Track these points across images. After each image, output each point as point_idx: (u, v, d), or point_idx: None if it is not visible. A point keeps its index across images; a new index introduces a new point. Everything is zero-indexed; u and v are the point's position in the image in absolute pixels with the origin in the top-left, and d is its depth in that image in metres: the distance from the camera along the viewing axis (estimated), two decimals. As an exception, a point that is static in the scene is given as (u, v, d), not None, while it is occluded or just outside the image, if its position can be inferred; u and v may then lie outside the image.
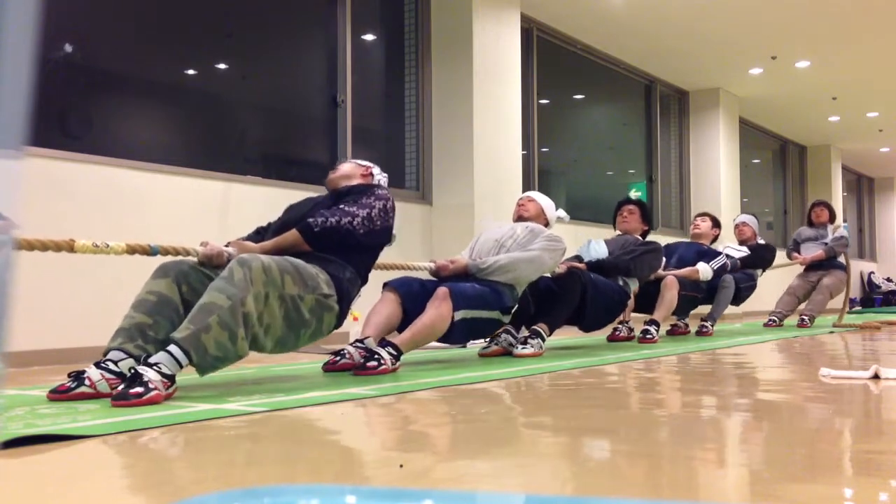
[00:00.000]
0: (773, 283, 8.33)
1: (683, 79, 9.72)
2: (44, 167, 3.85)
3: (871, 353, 4.51)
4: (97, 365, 2.50)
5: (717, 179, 10.00)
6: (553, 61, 7.88)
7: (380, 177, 3.43)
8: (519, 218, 4.37)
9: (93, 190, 4.04)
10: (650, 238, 5.33)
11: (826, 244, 7.28)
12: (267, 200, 4.73)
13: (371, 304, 3.60)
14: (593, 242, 4.93)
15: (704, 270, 5.69)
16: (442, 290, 3.45)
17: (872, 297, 14.77)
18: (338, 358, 3.27)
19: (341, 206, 3.06)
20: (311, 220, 2.95)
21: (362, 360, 3.17)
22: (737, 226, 6.96)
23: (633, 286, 4.92)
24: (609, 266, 4.71)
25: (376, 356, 3.15)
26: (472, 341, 4.14)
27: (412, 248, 5.79)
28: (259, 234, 3.21)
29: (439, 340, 3.53)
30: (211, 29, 5.30)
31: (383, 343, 3.29)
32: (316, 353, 4.16)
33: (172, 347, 2.41)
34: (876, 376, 2.92)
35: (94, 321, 3.90)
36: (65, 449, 1.73)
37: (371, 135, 6.27)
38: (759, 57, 8.83)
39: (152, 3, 4.87)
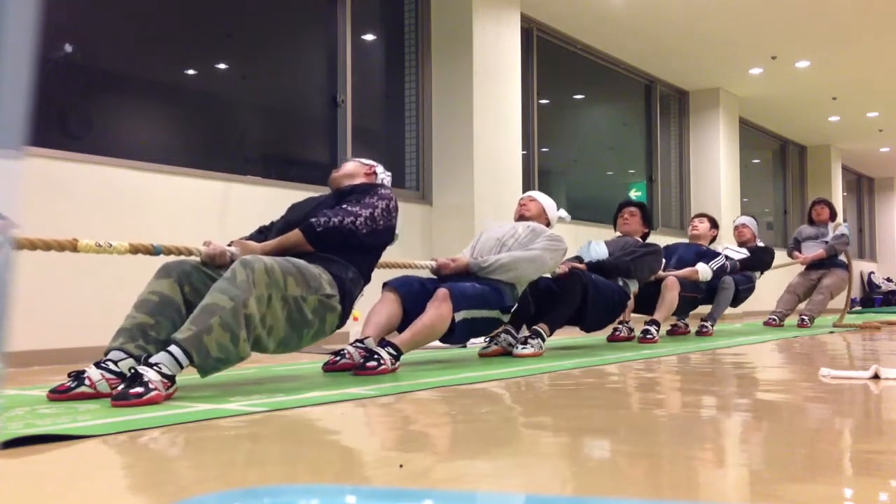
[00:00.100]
0: (773, 284, 8.33)
1: (683, 79, 9.72)
2: (44, 167, 3.85)
3: (871, 353, 4.51)
4: (97, 365, 2.50)
5: (717, 179, 10.00)
6: (553, 61, 7.88)
7: (383, 175, 3.43)
8: (520, 217, 4.37)
9: (93, 190, 4.04)
10: (650, 239, 5.34)
11: (827, 243, 7.28)
12: (267, 200, 4.73)
13: (371, 304, 3.60)
14: (593, 243, 4.94)
15: (704, 271, 5.69)
16: (442, 291, 3.44)
17: (872, 297, 14.77)
18: (338, 358, 3.27)
19: (344, 206, 3.06)
20: (313, 219, 2.95)
21: (362, 360, 3.17)
22: (736, 227, 6.96)
23: (633, 287, 4.93)
24: (609, 267, 4.72)
25: (376, 356, 3.15)
26: (472, 341, 4.14)
27: (412, 248, 5.79)
28: (262, 234, 3.21)
29: (440, 340, 3.53)
30: (211, 29, 5.30)
31: (383, 343, 3.28)
32: (316, 353, 4.16)
33: (173, 348, 2.41)
34: (876, 376, 2.92)
35: (94, 321, 3.90)
36: (65, 449, 1.73)
37: (371, 135, 6.27)
38: (759, 57, 8.84)
39: (152, 3, 4.87)
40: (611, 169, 9.79)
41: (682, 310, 5.71)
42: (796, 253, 7.48)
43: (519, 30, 6.65)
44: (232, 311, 2.47)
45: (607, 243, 5.00)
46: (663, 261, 5.38)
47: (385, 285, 3.62)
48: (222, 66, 5.39)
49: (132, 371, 2.33)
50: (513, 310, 3.89)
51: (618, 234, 5.33)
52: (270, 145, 5.63)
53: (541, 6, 7.15)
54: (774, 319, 7.02)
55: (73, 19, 4.40)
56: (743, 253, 6.30)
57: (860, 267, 14.85)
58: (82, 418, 2.03)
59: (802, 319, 6.99)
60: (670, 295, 5.30)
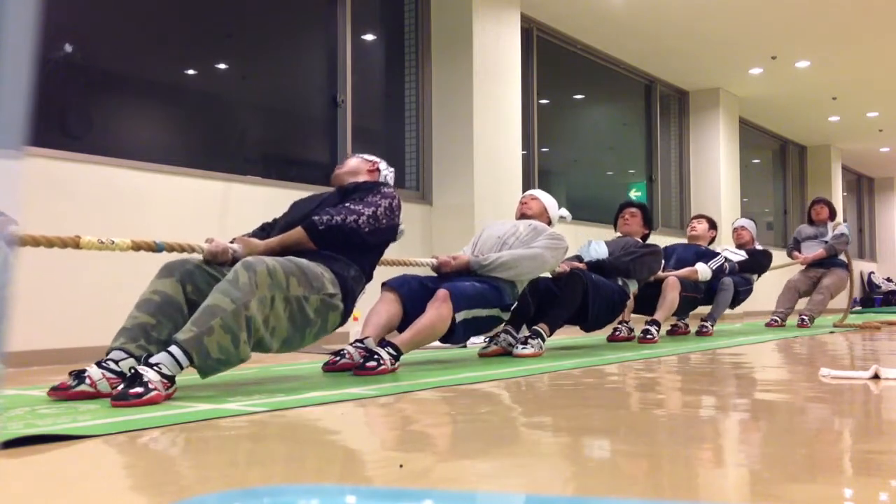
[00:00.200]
0: (773, 284, 8.33)
1: (683, 79, 9.72)
2: (44, 167, 3.84)
3: (871, 353, 4.51)
4: (98, 364, 2.50)
5: (717, 179, 10.00)
6: (553, 61, 7.88)
7: (386, 172, 3.43)
8: (522, 216, 4.37)
9: (93, 190, 4.04)
10: (650, 240, 5.34)
11: (826, 242, 7.28)
12: (267, 200, 4.73)
13: (371, 304, 3.60)
14: (593, 243, 4.94)
15: (703, 271, 5.70)
16: (442, 292, 3.44)
17: (872, 297, 14.77)
18: (338, 358, 3.27)
19: (347, 205, 3.06)
20: (316, 218, 2.95)
21: (362, 360, 3.17)
22: (735, 230, 6.96)
23: (633, 287, 4.93)
24: (609, 267, 4.72)
25: (376, 356, 3.15)
26: (472, 340, 4.14)
27: (412, 248, 5.79)
28: (264, 231, 3.21)
29: (440, 341, 3.53)
30: (211, 29, 5.30)
31: (383, 343, 3.28)
32: (316, 353, 4.16)
33: (174, 349, 2.41)
34: (876, 376, 2.92)
35: (94, 321, 3.91)
36: (65, 449, 1.73)
37: (371, 135, 6.27)
38: (759, 57, 8.84)
39: (152, 3, 4.87)
40: (611, 169, 9.79)
41: (682, 310, 5.71)
42: (796, 253, 7.49)
43: (519, 30, 6.65)
44: (233, 313, 2.47)
45: (607, 243, 5.00)
46: (663, 261, 5.38)
47: (384, 285, 3.61)
48: (222, 66, 5.39)
49: (132, 371, 2.33)
50: (512, 308, 3.89)
51: (618, 234, 5.34)
52: (270, 145, 5.63)
53: (541, 6, 7.15)
54: (776, 320, 7.01)
55: (73, 19, 4.40)
56: (741, 255, 6.31)
57: (860, 267, 14.85)
58: (82, 418, 2.03)
59: (802, 319, 6.99)
60: (671, 295, 5.30)
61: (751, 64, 9.10)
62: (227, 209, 4.64)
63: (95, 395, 2.41)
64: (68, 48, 4.32)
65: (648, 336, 5.04)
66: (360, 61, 5.95)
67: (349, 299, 2.93)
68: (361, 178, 3.31)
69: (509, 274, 3.81)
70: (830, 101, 10.68)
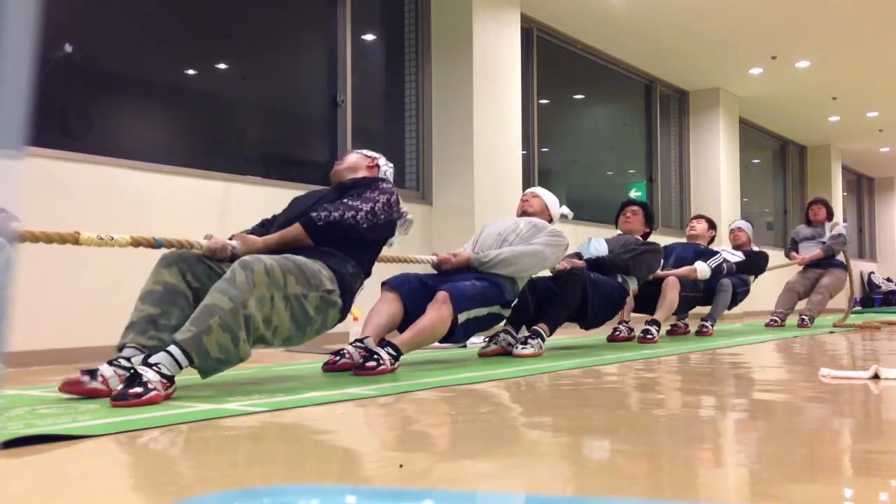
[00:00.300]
0: (772, 284, 8.33)
1: (683, 79, 9.72)
2: (44, 167, 3.84)
3: (871, 353, 4.51)
4: (110, 363, 2.51)
5: (717, 179, 10.00)
6: (553, 61, 7.88)
7: (386, 167, 3.43)
8: (523, 213, 4.37)
9: (93, 190, 4.04)
10: (651, 239, 5.34)
11: (824, 243, 7.29)
12: (267, 200, 4.73)
13: (371, 303, 3.60)
14: (593, 240, 4.94)
15: (702, 269, 5.70)
16: (442, 294, 3.44)
17: (872, 297, 14.77)
18: (337, 358, 3.27)
19: (345, 201, 3.06)
20: (314, 214, 2.95)
21: (362, 360, 3.17)
22: (732, 231, 6.96)
23: (633, 285, 4.92)
24: (608, 264, 4.72)
25: (375, 356, 3.15)
26: (471, 340, 4.14)
27: (412, 248, 5.78)
28: (263, 227, 3.21)
29: (441, 341, 3.53)
30: (211, 29, 5.30)
31: (383, 343, 3.28)
32: (316, 352, 4.16)
33: (173, 348, 2.41)
34: (876, 376, 2.92)
35: (94, 321, 3.91)
36: (65, 449, 1.73)
37: (371, 135, 6.27)
38: (759, 57, 8.84)
39: (152, 3, 4.87)
40: (611, 169, 9.79)
41: (681, 309, 5.71)
42: (794, 254, 7.49)
43: (519, 30, 6.65)
44: (231, 312, 2.47)
45: (608, 241, 5.00)
46: (662, 260, 5.38)
47: (384, 284, 3.61)
48: (222, 66, 5.39)
49: (132, 371, 2.33)
50: (513, 305, 3.89)
51: (619, 232, 5.33)
52: (270, 145, 5.63)
53: (541, 6, 7.15)
54: (776, 320, 7.02)
55: (73, 19, 4.40)
56: (738, 256, 6.31)
57: (860, 267, 14.85)
58: (82, 418, 2.03)
59: (802, 319, 6.99)
60: (671, 295, 5.30)
61: (751, 64, 9.10)
62: (227, 209, 4.64)
63: (108, 394, 2.40)
64: (68, 48, 4.33)
65: (648, 336, 5.04)
66: (360, 61, 5.95)
67: (348, 295, 2.93)
68: (361, 174, 3.31)
69: (509, 270, 3.81)
70: (830, 101, 10.68)
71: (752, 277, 6.53)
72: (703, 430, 2.05)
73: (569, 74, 8.42)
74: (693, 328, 6.03)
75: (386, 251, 3.45)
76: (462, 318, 3.47)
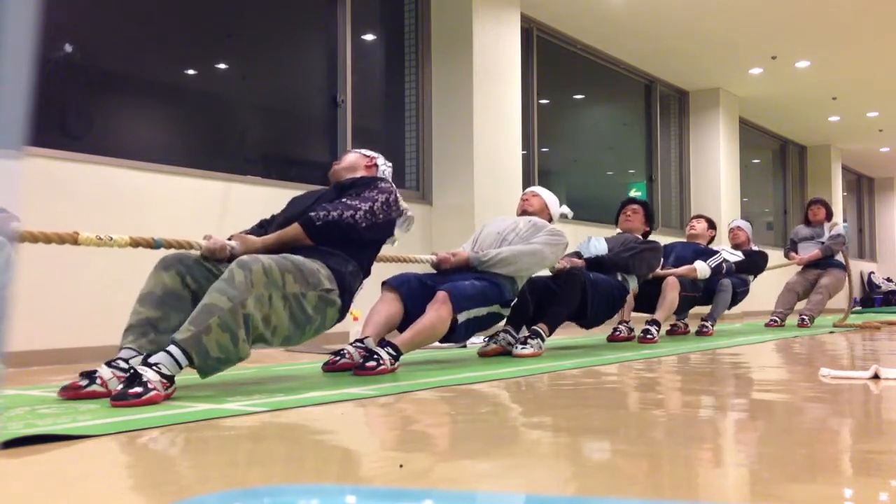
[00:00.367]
0: (772, 284, 8.33)
1: (683, 79, 9.72)
2: (44, 167, 3.85)
3: (871, 353, 4.51)
4: (108, 364, 2.51)
5: (717, 179, 10.00)
6: (553, 61, 7.88)
7: (384, 167, 3.43)
8: (523, 212, 4.37)
9: (93, 190, 4.04)
10: (651, 238, 5.34)
11: (823, 243, 7.29)
12: (267, 200, 4.72)
13: (372, 303, 3.60)
14: (593, 239, 4.93)
15: (702, 268, 5.70)
16: (441, 294, 3.44)
17: (872, 297, 14.77)
18: (337, 358, 3.27)
19: (344, 200, 3.06)
20: (313, 214, 2.95)
21: (362, 360, 3.17)
22: (731, 230, 6.96)
23: (632, 284, 4.92)
24: (608, 263, 4.71)
25: (375, 356, 3.15)
26: (471, 340, 4.14)
27: (412, 247, 5.78)
28: (262, 227, 3.21)
29: (441, 341, 3.53)
30: (211, 29, 5.30)
31: (383, 343, 3.28)
32: (316, 353, 4.16)
33: (173, 348, 2.41)
34: (876, 376, 2.92)
35: (94, 321, 3.91)
36: (65, 449, 1.73)
37: (371, 135, 6.27)
38: (759, 57, 8.84)
39: (152, 3, 4.87)
40: (611, 169, 9.79)
41: (680, 308, 5.71)
42: (793, 254, 7.50)
43: (519, 30, 6.65)
44: (230, 312, 2.47)
45: (607, 240, 5.00)
46: (662, 259, 5.38)
47: (384, 284, 3.61)
48: (222, 66, 5.39)
49: (131, 371, 2.33)
50: (512, 304, 3.89)
51: (618, 231, 5.33)
52: (270, 145, 5.63)
53: (541, 6, 7.15)
54: (776, 320, 7.02)
55: (73, 19, 4.40)
56: (738, 255, 6.31)
57: (860, 267, 14.86)
58: (82, 418, 2.03)
59: (802, 319, 7.00)
60: (671, 295, 5.30)
61: (751, 64, 9.10)
62: (226, 209, 4.64)
63: (107, 396, 2.40)
64: (68, 48, 4.33)
65: (648, 336, 5.04)
66: (360, 61, 5.95)
67: (346, 294, 2.93)
68: (359, 174, 3.31)
69: (509, 270, 3.81)
70: (830, 101, 10.68)
71: (751, 277, 6.53)
72: (703, 430, 2.05)
73: (569, 74, 8.42)
74: (693, 328, 6.03)
75: (386, 251, 3.44)
76: (462, 317, 3.48)
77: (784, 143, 13.01)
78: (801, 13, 7.52)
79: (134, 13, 4.74)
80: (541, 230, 4.05)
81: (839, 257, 7.32)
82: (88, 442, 1.78)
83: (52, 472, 1.57)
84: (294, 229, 2.94)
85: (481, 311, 3.61)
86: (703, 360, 3.94)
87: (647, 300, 5.38)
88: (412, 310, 3.48)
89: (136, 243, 2.68)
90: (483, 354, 4.05)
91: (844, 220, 13.08)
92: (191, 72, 5.19)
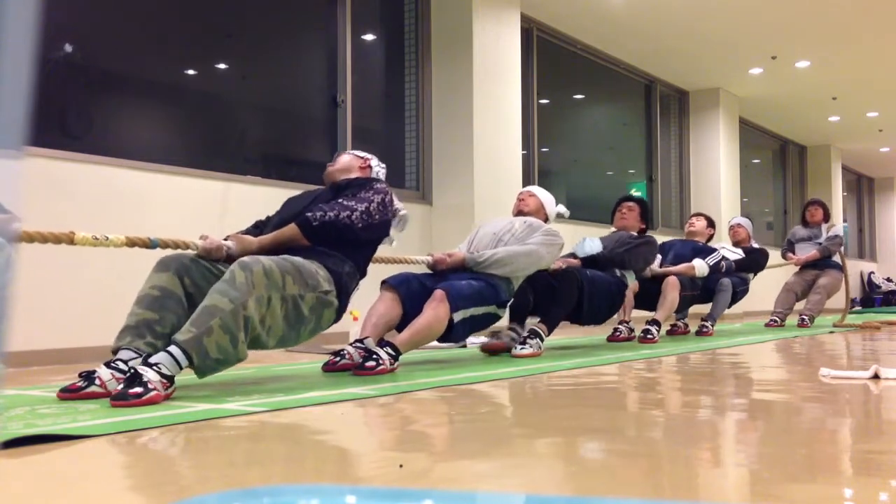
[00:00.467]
0: (772, 283, 8.33)
1: (683, 79, 9.72)
2: (44, 167, 3.85)
3: (871, 353, 4.51)
4: (107, 364, 2.51)
5: (717, 179, 10.00)
6: (553, 61, 7.88)
7: (378, 168, 3.43)
8: (518, 212, 4.36)
9: (93, 190, 4.04)
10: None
11: (820, 244, 7.30)
12: (267, 200, 4.72)
13: (370, 304, 3.60)
14: (588, 239, 4.92)
15: (700, 266, 5.69)
16: (439, 293, 3.44)
17: (872, 297, 14.77)
18: (337, 358, 3.27)
19: (340, 201, 3.06)
20: (309, 214, 2.96)
21: (361, 360, 3.17)
22: (731, 227, 6.96)
23: (631, 279, 4.90)
24: (603, 260, 4.69)
25: (375, 356, 3.15)
26: (471, 340, 4.14)
27: (412, 247, 5.79)
28: (258, 228, 3.22)
29: (439, 340, 3.53)
30: (211, 29, 5.30)
31: (382, 343, 3.28)
32: (316, 353, 4.16)
33: (173, 349, 2.41)
34: (876, 376, 2.92)
35: (93, 321, 3.91)
36: (65, 449, 1.73)
37: (371, 135, 6.27)
38: (759, 57, 8.84)
39: (152, 3, 4.87)
40: (611, 169, 9.79)
41: (680, 307, 5.71)
42: (790, 254, 7.51)
43: (519, 30, 6.65)
44: (232, 313, 2.47)
45: (602, 239, 4.98)
46: (658, 255, 5.37)
47: (383, 284, 3.61)
48: (222, 66, 5.39)
49: (131, 371, 2.33)
50: (510, 304, 3.89)
51: (613, 229, 5.32)
52: (270, 145, 5.63)
53: (541, 6, 7.15)
54: (776, 320, 7.02)
55: (73, 19, 4.40)
56: (738, 253, 6.31)
57: (860, 267, 14.86)
58: (82, 418, 2.03)
59: (802, 319, 7.00)
60: (672, 295, 5.30)
61: (751, 64, 9.10)
62: (226, 209, 4.64)
63: (106, 396, 2.40)
64: (68, 48, 4.33)
65: (648, 336, 5.04)
66: (360, 61, 5.95)
67: (343, 295, 2.94)
68: (353, 175, 3.31)
69: (504, 270, 3.81)
70: (830, 101, 10.68)
71: (751, 275, 6.53)
72: (703, 430, 2.05)
73: (569, 74, 8.42)
74: (693, 328, 6.03)
75: (382, 251, 3.45)
76: (457, 317, 3.47)
77: (784, 143, 13.01)
78: (801, 13, 7.52)
79: (134, 13, 4.74)
80: (536, 230, 4.05)
81: (836, 258, 7.32)
82: (88, 442, 1.78)
83: (52, 472, 1.57)
84: (291, 229, 2.94)
85: (478, 311, 3.61)
86: (703, 360, 3.94)
87: (648, 298, 5.38)
88: (411, 310, 3.49)
89: (132, 243, 2.67)
90: (486, 348, 4.06)
91: (844, 221, 13.08)
92: (191, 72, 5.19)
